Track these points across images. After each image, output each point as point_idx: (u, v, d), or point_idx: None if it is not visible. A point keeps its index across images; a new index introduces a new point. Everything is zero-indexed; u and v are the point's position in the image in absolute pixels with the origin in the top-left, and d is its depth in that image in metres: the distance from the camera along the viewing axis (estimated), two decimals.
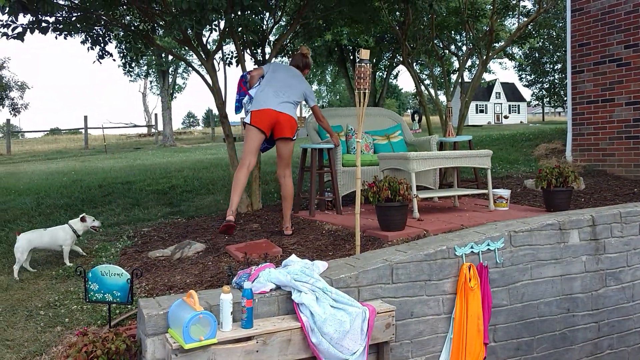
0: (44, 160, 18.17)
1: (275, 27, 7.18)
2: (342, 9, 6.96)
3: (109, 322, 3.29)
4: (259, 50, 7.01)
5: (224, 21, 6.31)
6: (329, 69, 24.67)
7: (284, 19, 7.18)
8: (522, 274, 4.14)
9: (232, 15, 6.03)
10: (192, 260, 4.50)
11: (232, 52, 7.39)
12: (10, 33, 5.46)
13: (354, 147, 6.36)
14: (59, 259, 4.91)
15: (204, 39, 6.46)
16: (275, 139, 5.06)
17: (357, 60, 3.96)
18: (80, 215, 4.89)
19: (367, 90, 4.00)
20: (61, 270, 4.59)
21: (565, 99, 27.59)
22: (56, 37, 5.67)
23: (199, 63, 14.39)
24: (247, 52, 6.88)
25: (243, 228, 5.36)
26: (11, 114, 20.83)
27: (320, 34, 8.61)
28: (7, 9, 4.91)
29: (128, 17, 7.17)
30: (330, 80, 33.74)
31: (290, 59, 5.67)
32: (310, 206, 5.61)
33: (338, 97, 48.81)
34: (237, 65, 6.89)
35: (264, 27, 7.07)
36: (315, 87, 43.38)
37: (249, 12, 6.26)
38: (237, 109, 5.33)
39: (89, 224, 4.86)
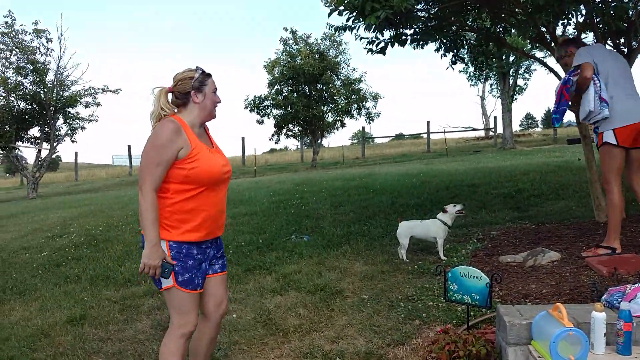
0: (392, 163, 19.92)
1: None
2: None
3: (467, 324, 3.31)
4: (623, 40, 6.20)
5: (580, 12, 5.81)
6: None
7: None
8: None
9: (592, 3, 5.49)
10: (547, 270, 4.23)
11: None
12: (374, 48, 6.08)
13: None
14: (413, 254, 5.24)
15: (558, 34, 6.05)
16: (631, 147, 4.28)
17: None
18: (442, 208, 5.19)
19: None
20: (416, 267, 4.88)
21: None
22: (414, 48, 6.08)
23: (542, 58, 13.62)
24: (607, 44, 6.16)
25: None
26: (366, 122, 23.37)
27: None
28: (375, 26, 5.46)
29: (475, 23, 7.23)
30: None
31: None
32: None
33: None
34: None
35: (630, 13, 6.22)
36: None
37: None
38: (557, 121, 4.50)
39: (451, 211, 5.10)
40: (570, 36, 5.45)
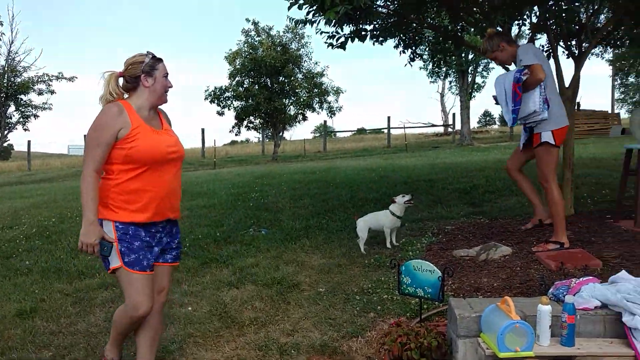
0: (353, 157, 20.05)
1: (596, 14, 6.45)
2: None
3: (420, 317, 3.38)
4: (574, 42, 6.40)
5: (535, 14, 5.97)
6: None
7: (606, 5, 6.37)
8: None
9: (546, 6, 5.64)
10: (498, 264, 4.35)
11: (542, 46, 6.94)
12: (334, 43, 6.11)
13: None
14: (370, 247, 5.31)
15: (512, 35, 6.20)
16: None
17: None
18: (390, 199, 5.45)
19: None
20: (373, 260, 4.94)
21: None
22: (373, 44, 6.14)
23: None
24: (560, 45, 6.36)
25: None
26: (328, 115, 23.44)
27: None
28: (335, 21, 5.48)
29: (434, 20, 7.33)
30: None
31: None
32: (635, 216, 4.89)
33: None
34: (549, 59, 6.42)
35: (581, 16, 6.43)
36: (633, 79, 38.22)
37: (563, 1, 5.78)
38: (514, 121, 4.48)
39: (400, 202, 5.31)
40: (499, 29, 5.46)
